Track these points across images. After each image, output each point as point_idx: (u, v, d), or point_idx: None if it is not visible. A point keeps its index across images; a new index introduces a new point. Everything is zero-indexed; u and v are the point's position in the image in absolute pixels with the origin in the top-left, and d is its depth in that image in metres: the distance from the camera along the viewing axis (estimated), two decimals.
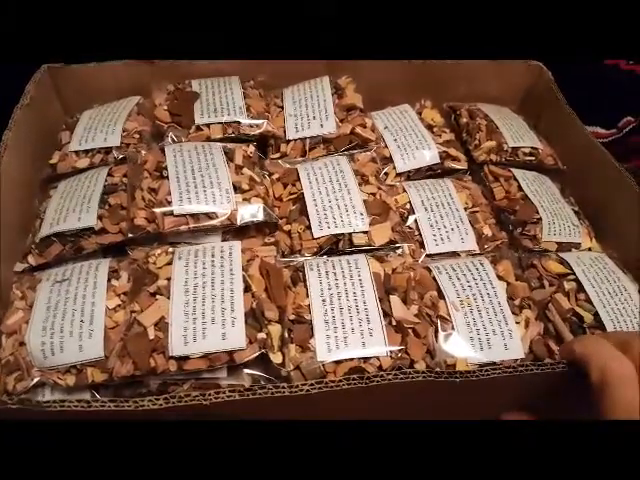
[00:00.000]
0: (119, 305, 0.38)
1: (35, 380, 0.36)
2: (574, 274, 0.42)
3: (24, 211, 0.47)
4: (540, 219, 0.46)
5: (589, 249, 0.48)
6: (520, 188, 0.49)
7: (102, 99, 0.56)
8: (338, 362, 0.35)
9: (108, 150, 0.49)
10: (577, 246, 0.47)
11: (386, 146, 0.52)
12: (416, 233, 0.46)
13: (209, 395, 0.31)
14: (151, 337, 0.34)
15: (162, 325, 0.35)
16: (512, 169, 0.51)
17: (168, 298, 0.36)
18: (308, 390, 0.32)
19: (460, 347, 0.38)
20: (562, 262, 0.43)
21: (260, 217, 0.42)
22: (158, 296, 0.36)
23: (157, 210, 0.41)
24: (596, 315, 0.39)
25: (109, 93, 0.56)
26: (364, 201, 0.44)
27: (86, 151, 0.49)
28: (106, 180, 0.46)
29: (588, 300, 0.40)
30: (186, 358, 0.34)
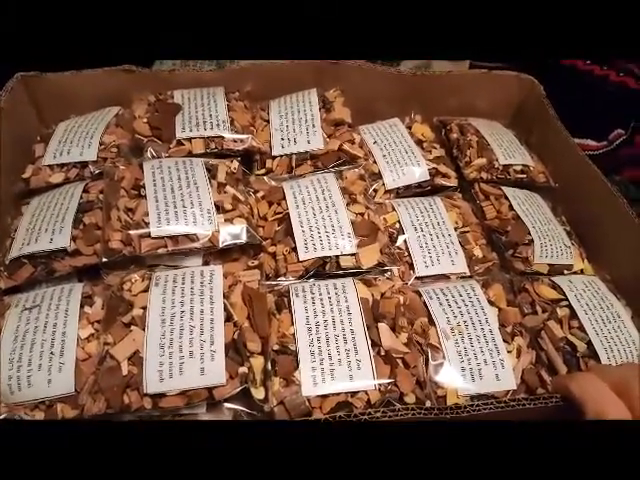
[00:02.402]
0: (92, 334, 0.36)
1: (2, 417, 0.33)
2: (567, 300, 0.41)
3: None
4: (532, 241, 0.45)
5: (581, 270, 0.47)
6: (511, 207, 0.48)
7: (80, 108, 0.53)
8: (324, 396, 0.33)
9: (84, 164, 0.47)
10: (569, 268, 0.46)
11: (375, 162, 0.51)
12: (405, 254, 0.45)
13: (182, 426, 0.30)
14: (124, 372, 0.32)
15: (136, 359, 0.33)
16: (503, 187, 0.50)
17: (143, 329, 0.34)
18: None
19: (451, 378, 0.36)
20: (555, 287, 0.42)
21: (243, 239, 0.40)
22: (133, 327, 0.34)
23: (133, 232, 0.39)
24: (589, 344, 0.38)
25: (88, 102, 0.54)
26: (352, 221, 0.43)
27: (61, 165, 0.47)
28: (81, 197, 0.44)
29: (581, 328, 0.39)
30: (162, 395, 0.32)
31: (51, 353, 0.34)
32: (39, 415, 0.34)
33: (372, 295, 0.39)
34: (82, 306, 0.37)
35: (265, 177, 0.47)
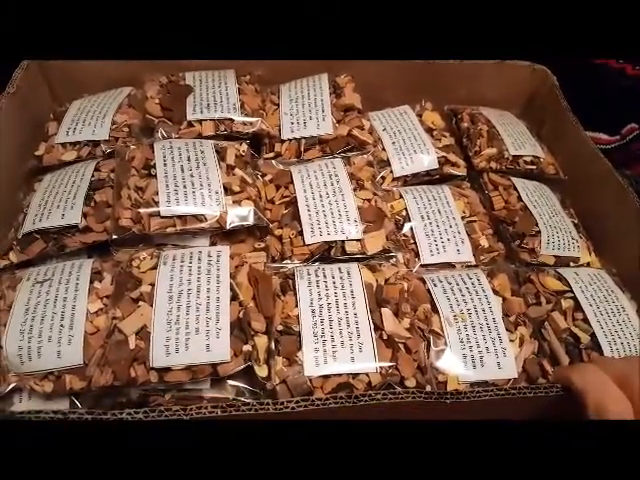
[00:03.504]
0: (101, 309, 0.37)
1: (11, 386, 0.35)
2: (572, 292, 0.41)
3: (7, 204, 0.45)
4: (539, 232, 0.45)
5: (588, 264, 0.46)
6: (520, 198, 0.48)
7: (93, 87, 0.54)
8: (326, 377, 0.34)
9: (96, 143, 0.47)
10: (576, 260, 0.46)
11: (384, 149, 0.51)
12: (411, 241, 0.45)
13: (190, 410, 0.31)
14: (132, 346, 0.33)
15: (144, 334, 0.33)
16: (512, 178, 0.50)
17: (151, 305, 0.34)
18: (293, 408, 0.31)
19: (452, 364, 0.37)
20: (560, 278, 0.42)
21: (250, 221, 0.41)
22: (141, 302, 0.35)
23: (143, 210, 0.39)
24: (593, 336, 0.38)
25: (100, 81, 0.54)
26: (358, 207, 0.43)
27: (73, 143, 0.48)
28: (93, 175, 0.44)
29: (585, 320, 0.39)
30: (168, 369, 0.33)
31: (61, 326, 0.35)
32: (48, 386, 0.35)
33: (376, 280, 0.39)
34: (92, 281, 0.38)
35: (273, 161, 0.47)
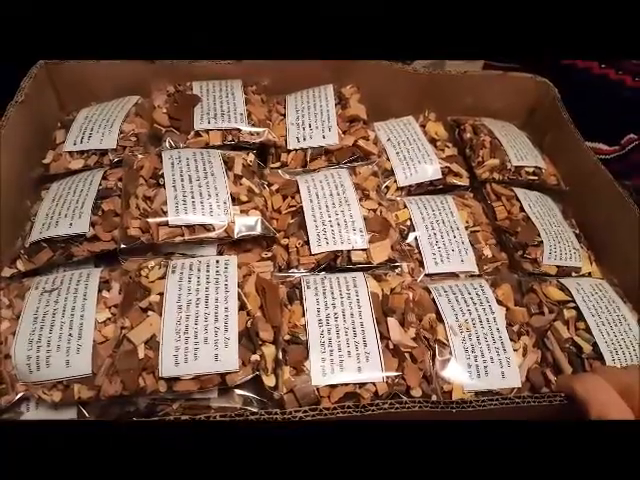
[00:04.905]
0: (109, 318, 0.37)
1: (19, 395, 0.35)
2: (574, 302, 0.41)
3: (14, 212, 0.45)
4: (541, 242, 0.46)
5: (589, 273, 0.47)
6: (522, 209, 0.49)
7: (100, 96, 0.54)
8: (333, 386, 0.34)
9: (104, 152, 0.48)
10: (577, 270, 0.47)
11: (388, 159, 0.52)
12: (416, 251, 0.45)
13: (198, 419, 0.31)
14: (141, 356, 0.33)
15: (153, 344, 0.34)
16: (514, 188, 0.51)
17: (160, 315, 0.35)
18: (301, 417, 0.31)
19: (457, 374, 0.37)
20: (562, 289, 0.43)
21: (258, 231, 0.41)
22: (150, 312, 0.35)
23: (151, 220, 0.39)
24: (595, 345, 0.39)
25: (108, 90, 0.54)
26: (364, 217, 0.43)
27: (81, 152, 0.48)
28: (100, 184, 0.44)
29: (587, 330, 0.40)
30: (177, 379, 0.33)
31: (69, 335, 0.35)
32: (56, 395, 0.35)
33: (382, 290, 0.39)
34: (100, 290, 0.38)
35: (280, 170, 0.48)
